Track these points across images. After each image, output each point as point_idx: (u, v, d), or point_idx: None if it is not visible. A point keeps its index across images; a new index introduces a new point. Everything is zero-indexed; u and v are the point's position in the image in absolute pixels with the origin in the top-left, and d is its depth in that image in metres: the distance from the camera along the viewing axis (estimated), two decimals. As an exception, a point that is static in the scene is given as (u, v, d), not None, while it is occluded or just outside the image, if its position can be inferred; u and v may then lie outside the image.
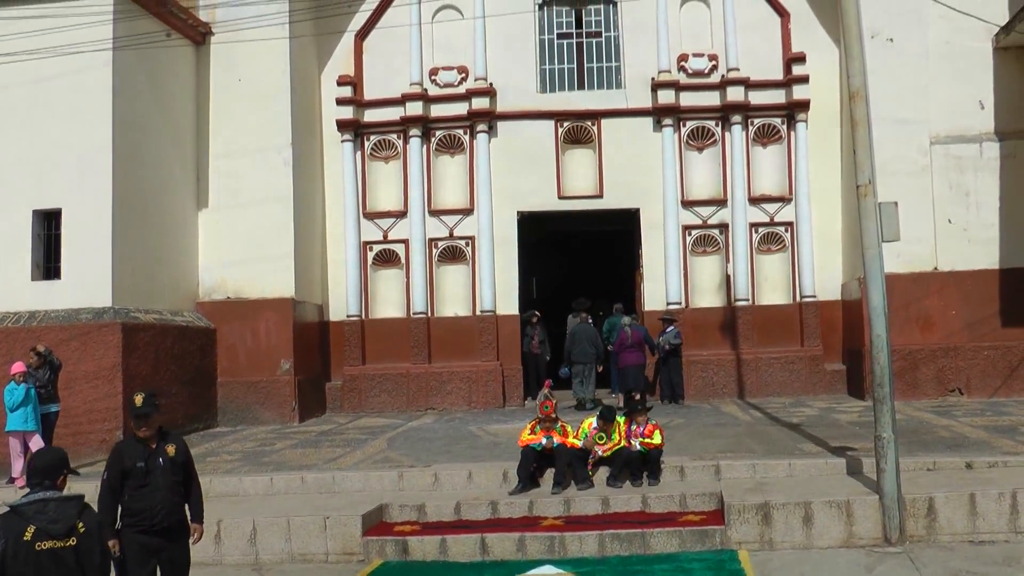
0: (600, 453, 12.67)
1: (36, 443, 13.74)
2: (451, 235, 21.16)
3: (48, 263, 16.93)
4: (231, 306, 19.42)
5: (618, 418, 13.03)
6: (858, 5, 12.97)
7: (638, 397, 13.35)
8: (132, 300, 17.06)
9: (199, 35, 19.56)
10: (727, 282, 20.76)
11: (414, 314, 20.91)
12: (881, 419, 10.91)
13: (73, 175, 16.66)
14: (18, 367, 13.90)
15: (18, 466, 13.76)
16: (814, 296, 20.36)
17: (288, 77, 19.65)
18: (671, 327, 19.71)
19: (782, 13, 20.94)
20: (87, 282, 16.54)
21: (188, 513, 7.90)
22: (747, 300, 20.52)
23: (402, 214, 21.22)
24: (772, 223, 20.77)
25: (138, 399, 7.63)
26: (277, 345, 19.27)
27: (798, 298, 20.52)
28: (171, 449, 7.71)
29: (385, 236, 21.26)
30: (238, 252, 19.40)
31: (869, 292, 11.80)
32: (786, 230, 20.72)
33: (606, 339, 20.21)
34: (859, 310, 17.67)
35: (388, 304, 21.32)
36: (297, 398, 19.23)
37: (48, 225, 16.95)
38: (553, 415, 12.72)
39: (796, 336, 20.35)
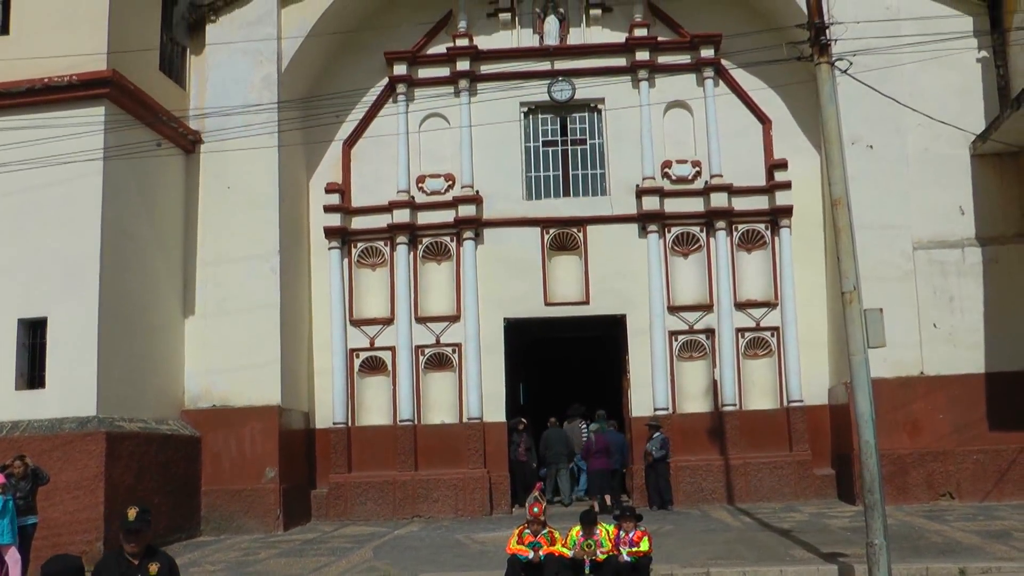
0: (600, 554, 12.37)
1: (12, 556, 13.47)
2: (438, 342, 21.15)
3: (33, 372, 16.77)
4: (217, 414, 19.26)
5: (606, 525, 12.83)
6: (838, 114, 13.22)
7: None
8: (117, 409, 16.90)
9: (189, 143, 19.77)
10: (714, 387, 20.74)
11: (400, 421, 20.78)
12: (872, 525, 10.84)
13: (60, 283, 16.63)
14: (-3, 478, 13.67)
15: (-5, 580, 13.48)
16: (801, 401, 20.34)
17: (276, 185, 19.82)
18: (656, 434, 19.65)
19: (764, 120, 21.32)
20: (72, 391, 16.38)
21: None
22: (734, 405, 20.47)
23: (389, 321, 21.23)
24: (758, 328, 20.84)
25: (131, 513, 7.30)
26: (262, 453, 19.06)
27: (785, 403, 20.49)
28: (153, 568, 7.26)
29: (372, 343, 21.24)
30: (224, 360, 19.31)
31: (856, 398, 11.81)
32: (772, 335, 20.79)
33: None
34: (847, 414, 17.61)
35: (374, 411, 21.19)
36: (282, 506, 18.96)
37: (33, 334, 16.83)
38: (542, 518, 12.52)
39: (784, 441, 20.27)
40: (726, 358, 20.61)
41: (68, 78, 16.86)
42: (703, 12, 21.56)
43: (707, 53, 21.38)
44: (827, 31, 13.51)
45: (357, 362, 21.23)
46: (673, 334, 20.91)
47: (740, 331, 20.82)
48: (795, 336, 20.55)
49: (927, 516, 16.56)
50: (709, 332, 20.87)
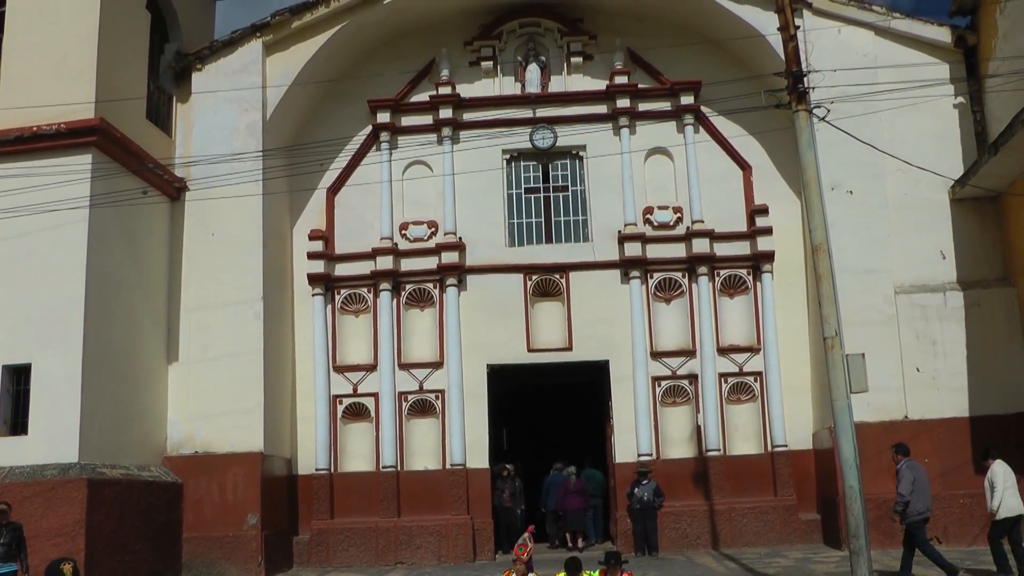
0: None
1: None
2: (421, 388, 21.12)
3: (16, 419, 16.69)
4: (199, 460, 19.14)
5: (590, 572, 12.77)
6: (817, 161, 13.41)
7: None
8: (99, 455, 16.80)
9: (174, 191, 19.82)
10: (698, 433, 20.74)
11: (383, 468, 20.69)
12: (858, 571, 10.88)
13: (44, 330, 16.59)
14: (-23, 526, 13.57)
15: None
16: (785, 445, 20.34)
17: (260, 232, 19.86)
18: (646, 480, 19.65)
19: (744, 166, 21.52)
20: (54, 438, 16.26)
21: None
22: (718, 450, 20.46)
23: (372, 368, 21.21)
24: (741, 373, 20.90)
25: (67, 568, 7.40)
26: (244, 500, 18.92)
27: (769, 448, 20.50)
28: None
29: (355, 390, 21.20)
30: (207, 406, 19.23)
31: (840, 444, 11.86)
32: (755, 380, 20.84)
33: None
34: (831, 459, 17.67)
35: (357, 457, 21.11)
36: (263, 553, 18.78)
37: (17, 380, 16.76)
38: (525, 558, 12.40)
39: (769, 486, 20.25)
40: (709, 403, 20.64)
41: (56, 126, 16.97)
42: (683, 60, 21.72)
43: (687, 100, 21.60)
44: (805, 79, 13.76)
45: (340, 408, 21.17)
46: (656, 380, 20.94)
47: (723, 376, 20.87)
48: (778, 381, 20.61)
49: (914, 561, 16.51)
50: (692, 377, 20.91)
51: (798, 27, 14.41)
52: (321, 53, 20.97)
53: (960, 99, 19.75)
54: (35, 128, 16.98)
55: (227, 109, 20.29)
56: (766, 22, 19.22)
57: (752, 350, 20.93)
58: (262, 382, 19.38)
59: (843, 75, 18.08)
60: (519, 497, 21.64)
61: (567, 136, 21.73)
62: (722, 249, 21.12)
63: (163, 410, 19.33)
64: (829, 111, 14.19)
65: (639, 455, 20.48)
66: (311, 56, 20.84)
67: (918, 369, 18.91)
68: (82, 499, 15.97)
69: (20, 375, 16.76)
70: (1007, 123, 17.00)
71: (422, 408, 21.11)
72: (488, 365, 21.14)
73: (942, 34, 19.92)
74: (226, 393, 19.25)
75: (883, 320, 18.98)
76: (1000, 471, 14.49)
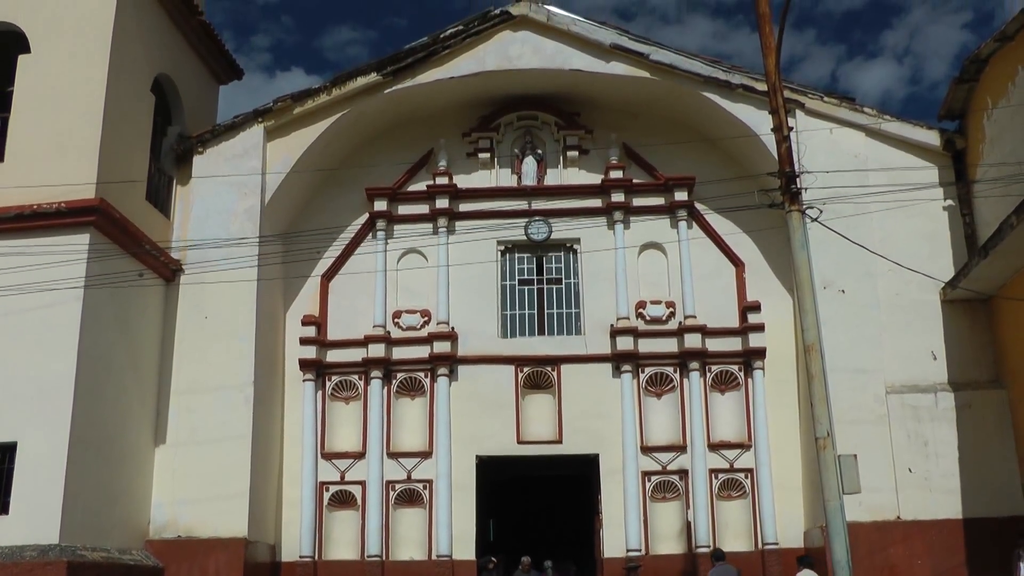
0: None
1: None
2: (409, 478, 20.95)
3: (-3, 497, 16.56)
4: (181, 545, 18.85)
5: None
6: (810, 262, 13.51)
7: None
8: (80, 537, 16.54)
9: (170, 272, 19.87)
10: (688, 529, 20.54)
11: (368, 557, 20.41)
12: (850, 672, 10.69)
13: (32, 408, 16.48)
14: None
15: None
16: (776, 543, 20.11)
17: (254, 316, 19.86)
18: (634, 576, 19.48)
19: (737, 263, 21.64)
20: (36, 518, 16.04)
21: None
22: (708, 547, 20.17)
23: (360, 455, 21.06)
24: (732, 469, 20.76)
25: None
26: (226, 587, 18.66)
27: (760, 545, 20.25)
28: None
29: (342, 477, 21.01)
30: (192, 490, 19.01)
31: (832, 545, 11.78)
32: (746, 476, 20.70)
33: None
34: (823, 558, 17.45)
35: (342, 546, 20.84)
36: (243, 643, 18.46)
37: (1, 459, 16.60)
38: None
39: (760, 584, 20.03)
40: (700, 499, 20.45)
41: (57, 205, 17.14)
42: (677, 156, 21.99)
43: (681, 196, 21.80)
44: (797, 180, 13.91)
45: (326, 495, 20.96)
46: (646, 474, 20.78)
47: (714, 472, 20.71)
48: (769, 478, 20.45)
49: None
50: (682, 473, 20.76)
51: (791, 128, 14.61)
52: (321, 140, 21.23)
53: (949, 201, 19.95)
54: (35, 206, 17.13)
55: (226, 193, 20.45)
56: (760, 121, 19.48)
57: (743, 446, 20.83)
58: (249, 467, 19.18)
59: (835, 176, 18.28)
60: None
61: (562, 229, 21.86)
62: (714, 345, 21.13)
63: (147, 492, 19.09)
64: (822, 211, 14.32)
65: (628, 550, 20.24)
66: (311, 142, 21.09)
67: (910, 470, 18.76)
68: (61, 583, 15.71)
69: (5, 454, 16.60)
70: (996, 227, 17.18)
71: (409, 497, 20.91)
72: (477, 456, 20.99)
73: (931, 137, 20.21)
74: (212, 477, 19.04)
75: (874, 420, 18.89)
76: None
